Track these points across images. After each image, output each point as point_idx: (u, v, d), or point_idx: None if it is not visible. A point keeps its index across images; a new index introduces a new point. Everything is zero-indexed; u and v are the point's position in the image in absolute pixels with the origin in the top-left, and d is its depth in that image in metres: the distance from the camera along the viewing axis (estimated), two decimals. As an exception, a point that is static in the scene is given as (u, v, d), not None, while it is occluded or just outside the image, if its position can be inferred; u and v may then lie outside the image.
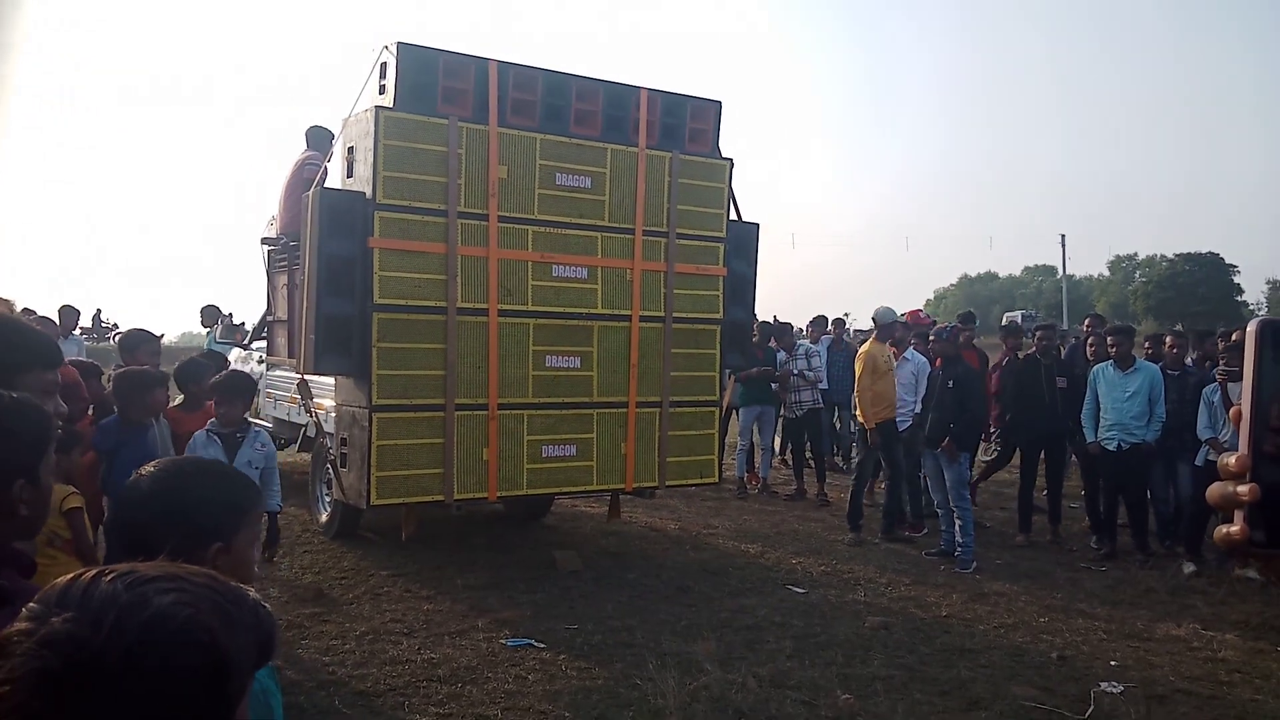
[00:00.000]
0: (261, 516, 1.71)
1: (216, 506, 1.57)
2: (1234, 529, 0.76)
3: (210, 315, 12.92)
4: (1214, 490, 0.77)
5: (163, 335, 6.28)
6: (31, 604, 0.83)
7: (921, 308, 12.13)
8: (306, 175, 7.44)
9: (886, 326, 8.42)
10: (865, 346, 8.47)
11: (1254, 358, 0.75)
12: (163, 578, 0.85)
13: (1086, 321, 10.44)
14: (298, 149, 8.17)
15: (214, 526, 1.53)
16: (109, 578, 0.84)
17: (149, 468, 1.63)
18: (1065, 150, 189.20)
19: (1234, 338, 8.40)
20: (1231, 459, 0.76)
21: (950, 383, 7.51)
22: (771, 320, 10.72)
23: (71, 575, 0.86)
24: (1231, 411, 0.78)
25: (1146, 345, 8.41)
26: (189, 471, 1.65)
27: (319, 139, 8.10)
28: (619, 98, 6.70)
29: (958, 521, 7.41)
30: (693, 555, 7.43)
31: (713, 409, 7.29)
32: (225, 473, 1.71)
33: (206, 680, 0.82)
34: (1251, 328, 0.76)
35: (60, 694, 0.77)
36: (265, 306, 8.47)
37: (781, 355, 10.18)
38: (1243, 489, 0.74)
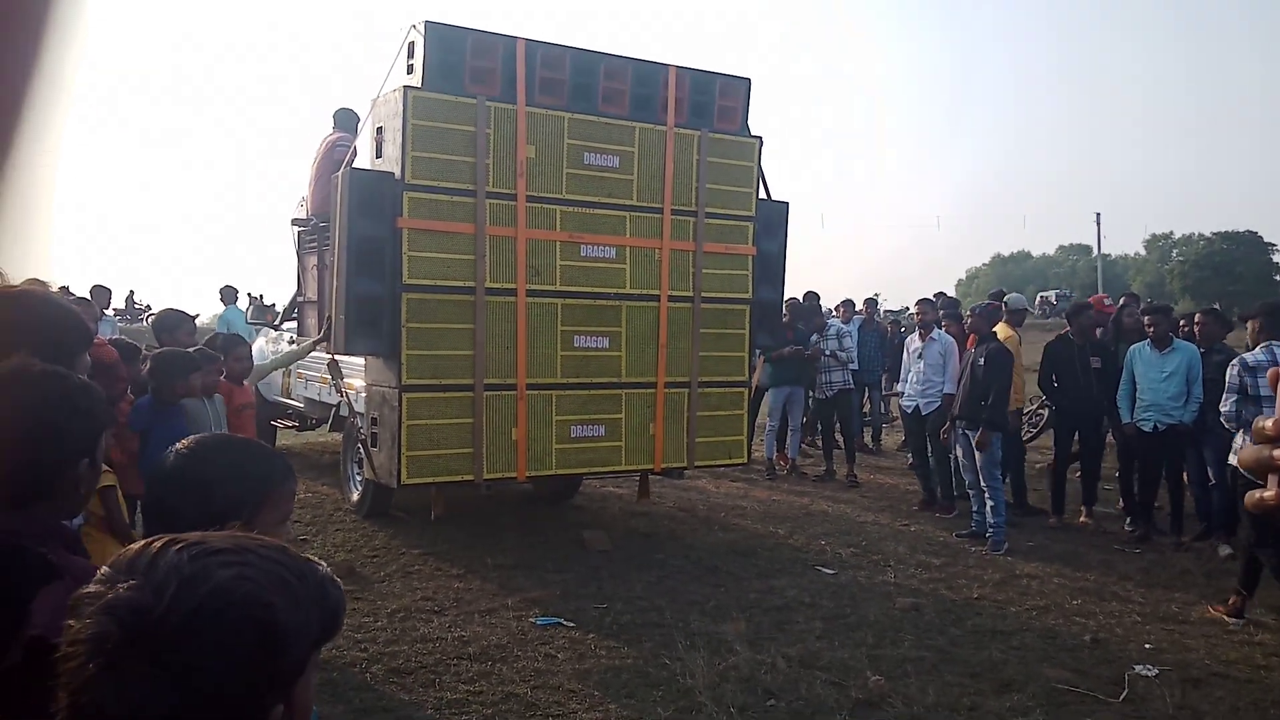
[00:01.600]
0: (292, 495, 1.70)
1: (236, 483, 1.55)
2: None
3: (229, 295, 13.04)
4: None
5: (197, 315, 6.33)
6: (105, 568, 0.85)
7: (1106, 295, 12.10)
8: (337, 156, 7.47)
9: (1017, 313, 8.56)
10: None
11: None
12: (230, 550, 0.86)
13: (1123, 299, 10.28)
14: (325, 132, 8.21)
15: (232, 504, 1.51)
16: (177, 547, 0.85)
17: (177, 445, 1.64)
18: (1099, 127, 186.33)
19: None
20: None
21: (982, 360, 7.43)
22: (803, 299, 10.63)
23: (145, 541, 0.87)
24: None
25: (1183, 327, 8.28)
26: (209, 447, 1.64)
27: (346, 121, 8.13)
28: (647, 76, 6.65)
29: (989, 502, 7.34)
30: (721, 536, 7.43)
31: (742, 389, 7.27)
32: (249, 449, 1.68)
33: (263, 655, 0.83)
34: None
35: (119, 662, 0.79)
36: (295, 287, 8.54)
37: (813, 336, 10.12)
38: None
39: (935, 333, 8.57)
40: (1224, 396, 5.91)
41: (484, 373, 6.16)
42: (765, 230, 7.26)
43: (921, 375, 8.49)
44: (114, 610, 0.80)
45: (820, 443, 10.57)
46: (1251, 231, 62.05)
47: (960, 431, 7.58)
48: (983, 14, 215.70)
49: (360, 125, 6.87)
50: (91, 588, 0.83)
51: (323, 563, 0.94)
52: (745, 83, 7.10)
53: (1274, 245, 62.56)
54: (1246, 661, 5.01)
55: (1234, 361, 6.05)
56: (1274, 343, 5.92)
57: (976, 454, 7.40)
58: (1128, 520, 7.92)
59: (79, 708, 0.80)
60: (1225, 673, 4.84)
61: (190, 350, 4.90)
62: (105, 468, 3.51)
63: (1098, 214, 52.91)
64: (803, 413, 10.55)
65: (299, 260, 8.34)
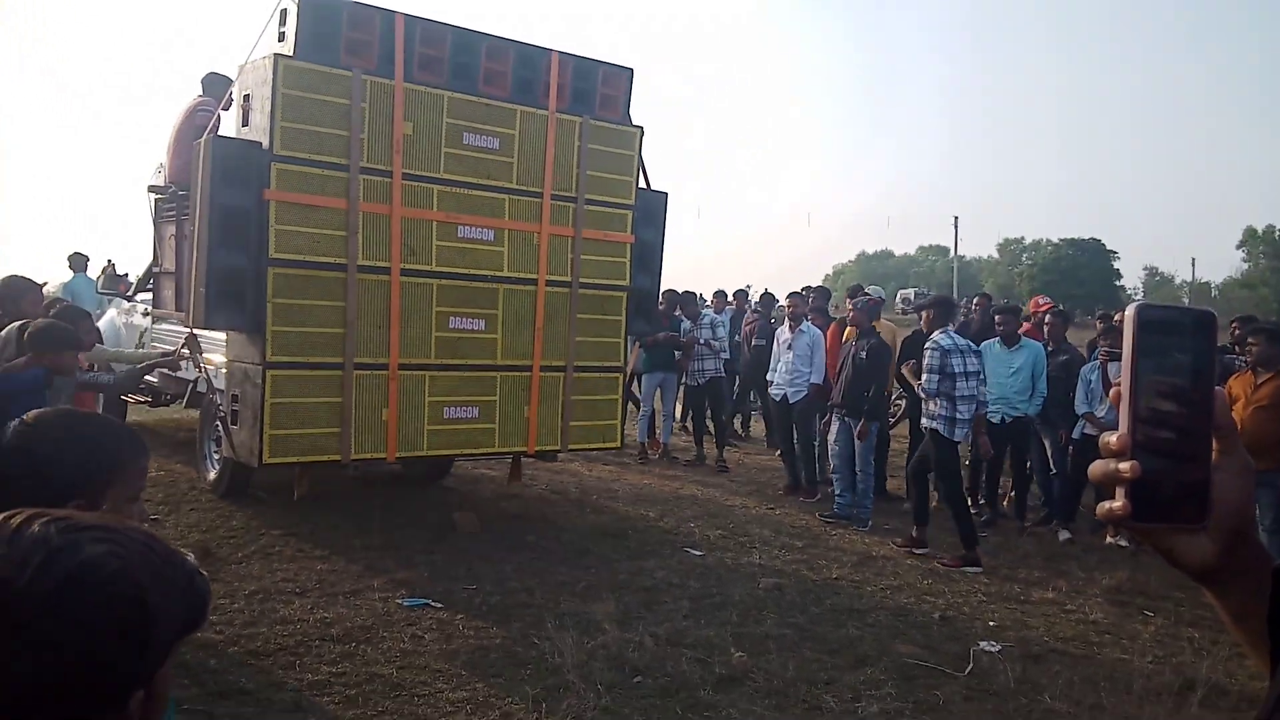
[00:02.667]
0: (143, 472, 1.60)
1: (78, 460, 1.47)
2: (1115, 505, 0.79)
3: (78, 262, 12.31)
4: (1096, 467, 0.80)
5: (45, 284, 5.96)
6: None
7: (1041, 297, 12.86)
8: (198, 122, 7.13)
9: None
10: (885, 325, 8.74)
11: (1132, 342, 0.79)
12: (98, 528, 0.83)
13: (976, 300, 10.83)
14: (189, 96, 7.83)
15: (71, 481, 1.44)
16: (43, 520, 0.82)
17: (17, 420, 1.55)
18: (962, 135, 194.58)
19: (1115, 319, 8.88)
20: (1113, 438, 0.79)
21: (864, 354, 7.74)
22: (679, 294, 10.83)
23: (6, 514, 0.83)
24: (1111, 392, 0.82)
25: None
26: (48, 423, 1.53)
27: (214, 85, 7.77)
28: (530, 59, 6.61)
29: (859, 486, 7.79)
30: (593, 518, 7.48)
31: (617, 375, 7.33)
32: (93, 424, 1.59)
33: (128, 634, 0.80)
34: (1130, 312, 0.80)
35: None
36: (151, 257, 8.13)
37: (686, 324, 10.28)
38: (1124, 466, 0.78)
39: (804, 325, 8.83)
40: (925, 376, 6.83)
41: (354, 351, 6.03)
42: (644, 218, 7.33)
43: (790, 365, 8.74)
44: None
45: (691, 428, 10.76)
46: (1095, 239, 66.10)
47: (841, 420, 7.87)
48: (863, 16, 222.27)
49: (229, 91, 6.59)
50: None
51: (190, 554, 0.91)
52: (628, 72, 7.14)
53: (1115, 253, 66.82)
54: (1081, 639, 5.38)
55: (932, 346, 6.88)
56: (949, 328, 7.11)
57: (856, 442, 7.71)
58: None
59: None
60: (1062, 649, 5.19)
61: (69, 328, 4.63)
62: None
63: (956, 217, 55.59)
64: (675, 398, 10.71)
65: (155, 229, 7.93)
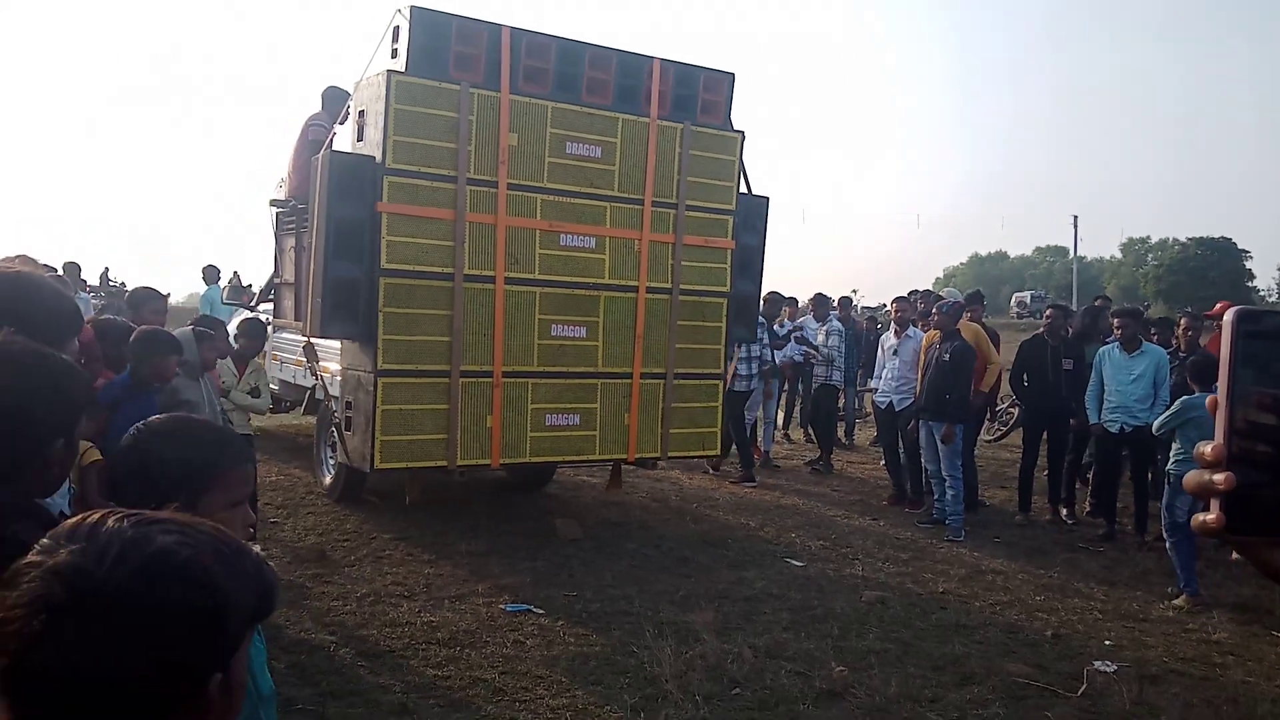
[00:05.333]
0: (247, 478, 1.66)
1: (178, 465, 1.54)
2: (1210, 517, 0.77)
3: (211, 274, 12.93)
4: (1191, 478, 0.78)
5: (169, 295, 6.29)
6: (43, 539, 0.86)
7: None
8: (312, 137, 7.43)
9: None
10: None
11: (1230, 351, 0.76)
12: (168, 520, 0.88)
13: (1096, 301, 10.40)
14: (311, 111, 8.15)
15: (169, 485, 1.51)
16: (117, 516, 0.87)
17: (134, 426, 1.65)
18: (1080, 131, 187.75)
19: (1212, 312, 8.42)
20: (1208, 449, 0.77)
21: (947, 356, 7.59)
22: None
23: (84, 514, 0.89)
24: (1208, 401, 0.79)
25: (1152, 330, 8.39)
26: (155, 430, 1.62)
27: (333, 100, 8.06)
28: (632, 67, 6.67)
29: (949, 491, 7.58)
30: (693, 527, 7.48)
31: (717, 382, 7.31)
32: (197, 431, 1.66)
33: (204, 620, 0.84)
34: (1228, 318, 0.77)
35: (62, 622, 0.80)
36: (273, 269, 8.49)
37: (786, 327, 10.34)
38: (1219, 478, 0.76)
39: (910, 330, 8.66)
40: None
41: (460, 359, 6.17)
42: (745, 224, 7.30)
43: (896, 372, 8.58)
44: (57, 573, 0.81)
45: (814, 435, 10.83)
46: (1226, 238, 62.79)
47: (925, 424, 7.75)
48: (973, 17, 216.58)
49: (347, 105, 6.84)
50: (32, 557, 0.84)
51: (255, 546, 0.96)
52: (729, 77, 7.12)
53: (1247, 252, 63.36)
54: (1203, 659, 5.12)
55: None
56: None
57: (940, 445, 7.57)
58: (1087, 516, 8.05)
59: (20, 670, 0.80)
60: (1182, 670, 4.95)
61: (172, 331, 4.87)
62: (89, 445, 3.50)
63: (1075, 216, 53.72)
64: (777, 405, 10.66)
65: (276, 241, 8.28)
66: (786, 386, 11.91)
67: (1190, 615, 5.82)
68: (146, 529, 0.86)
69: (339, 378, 6.64)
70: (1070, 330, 8.63)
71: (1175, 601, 6.01)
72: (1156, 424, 6.49)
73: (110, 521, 0.86)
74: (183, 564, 0.84)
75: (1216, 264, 60.58)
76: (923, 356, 8.07)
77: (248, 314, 9.81)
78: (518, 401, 6.40)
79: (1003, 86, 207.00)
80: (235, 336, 6.47)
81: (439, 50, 6.05)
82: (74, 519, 0.88)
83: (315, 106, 8.11)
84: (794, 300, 12.22)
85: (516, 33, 6.27)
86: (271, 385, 8.96)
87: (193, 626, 0.84)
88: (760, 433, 10.43)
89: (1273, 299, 65.26)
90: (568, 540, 6.75)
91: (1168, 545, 6.25)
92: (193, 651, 0.84)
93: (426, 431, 6.14)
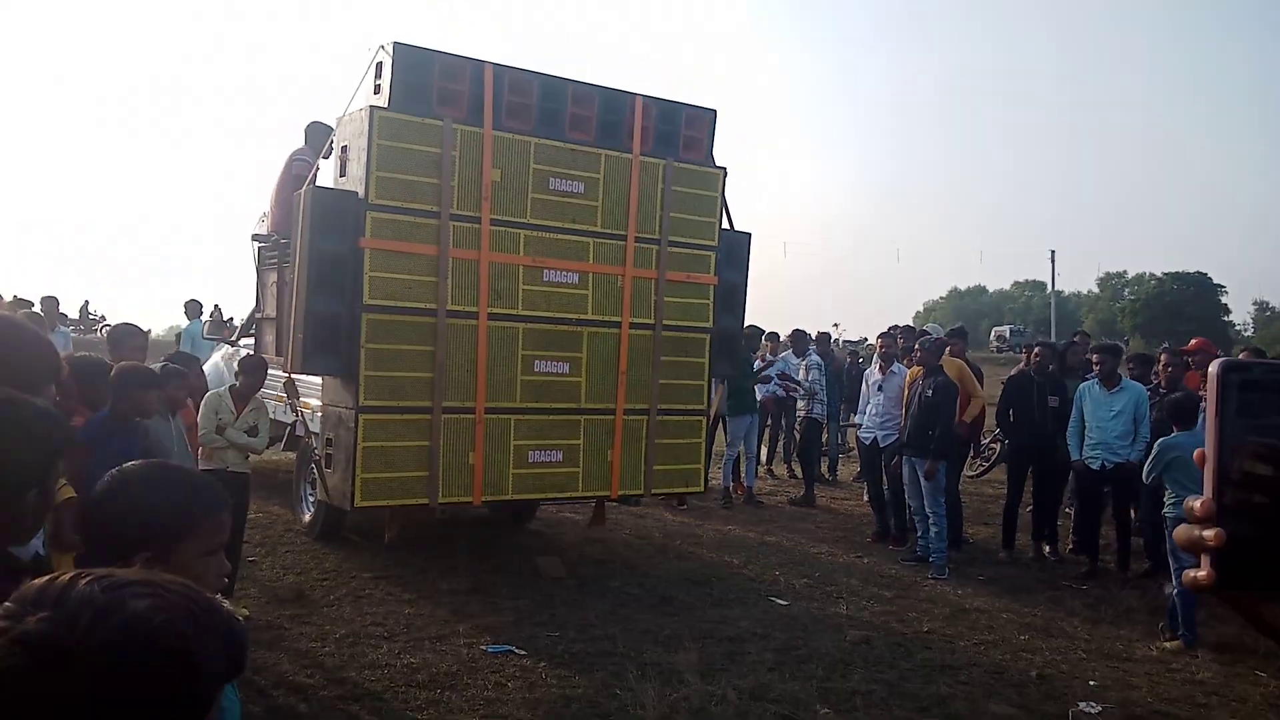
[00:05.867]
0: (222, 526, 1.62)
1: (150, 513, 1.51)
2: (1201, 574, 0.76)
3: (193, 309, 12.85)
4: (1181, 533, 0.77)
5: (149, 331, 6.24)
6: (7, 603, 0.83)
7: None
8: (295, 172, 7.41)
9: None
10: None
11: (1215, 403, 0.75)
12: (139, 583, 0.86)
13: (1075, 337, 10.47)
14: (294, 145, 8.14)
15: (143, 534, 1.48)
16: (87, 579, 0.84)
17: (113, 471, 1.61)
18: (1058, 167, 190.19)
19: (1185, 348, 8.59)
20: (1197, 503, 0.76)
21: (930, 391, 7.59)
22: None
23: (49, 577, 0.86)
24: (1195, 454, 0.78)
25: (1130, 365, 8.42)
26: (130, 477, 1.59)
27: (317, 135, 8.05)
28: (614, 103, 6.70)
29: (933, 528, 7.56)
30: (676, 565, 7.42)
31: (700, 418, 7.29)
32: (172, 479, 1.62)
33: (178, 686, 0.83)
34: (1213, 370, 0.76)
35: (32, 693, 0.78)
36: (254, 303, 8.43)
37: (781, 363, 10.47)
38: (1209, 534, 0.75)
39: (895, 366, 8.67)
40: None
41: (443, 395, 6.13)
42: (728, 260, 7.32)
43: (881, 408, 8.58)
44: (25, 642, 0.79)
45: (800, 470, 10.98)
46: (1201, 273, 63.63)
47: (908, 460, 7.74)
48: (947, 55, 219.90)
49: (330, 140, 6.83)
50: None
51: (226, 601, 0.94)
52: (711, 114, 7.17)
53: (1222, 287, 64.22)
54: (1188, 700, 5.10)
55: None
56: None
57: (923, 481, 7.56)
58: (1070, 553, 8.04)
59: None
60: (1166, 710, 4.92)
61: (151, 367, 4.82)
62: (64, 482, 3.43)
63: (1052, 251, 54.13)
64: (759, 441, 10.66)
65: (258, 276, 8.24)
66: (770, 421, 11.89)
67: (1175, 655, 5.80)
68: (118, 593, 0.83)
69: (319, 414, 6.57)
70: (1054, 367, 8.66)
71: (1167, 644, 5.96)
72: (1145, 472, 6.41)
73: (80, 585, 0.84)
74: (155, 631, 0.82)
75: (1192, 299, 61.32)
76: (906, 392, 8.08)
77: (229, 349, 9.76)
78: (500, 438, 6.35)
79: (981, 122, 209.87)
80: (235, 374, 6.40)
81: (422, 86, 6.06)
82: (39, 582, 0.86)
83: (299, 141, 8.11)
84: (775, 335, 12.23)
85: (499, 69, 6.30)
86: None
87: (165, 695, 0.82)
88: (743, 468, 10.41)
89: (1248, 334, 66.00)
90: (550, 579, 6.68)
91: (1174, 594, 6.09)
92: (164, 718, 0.82)
93: (408, 469, 6.08)
